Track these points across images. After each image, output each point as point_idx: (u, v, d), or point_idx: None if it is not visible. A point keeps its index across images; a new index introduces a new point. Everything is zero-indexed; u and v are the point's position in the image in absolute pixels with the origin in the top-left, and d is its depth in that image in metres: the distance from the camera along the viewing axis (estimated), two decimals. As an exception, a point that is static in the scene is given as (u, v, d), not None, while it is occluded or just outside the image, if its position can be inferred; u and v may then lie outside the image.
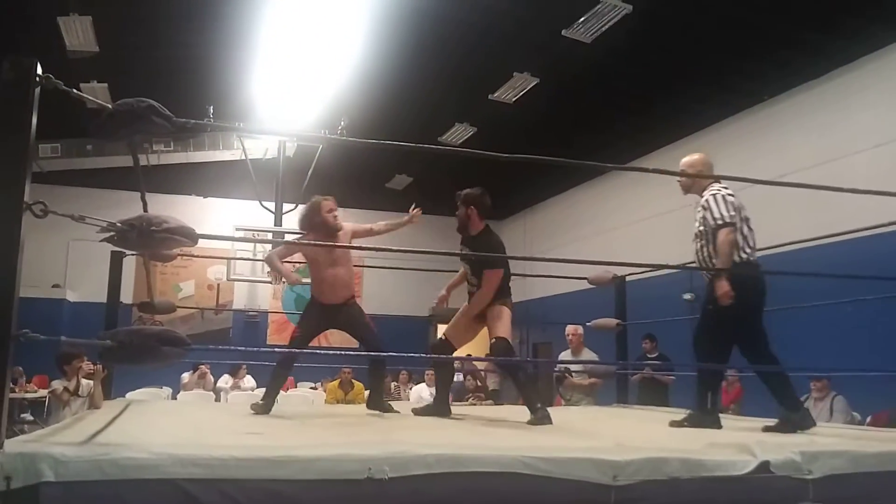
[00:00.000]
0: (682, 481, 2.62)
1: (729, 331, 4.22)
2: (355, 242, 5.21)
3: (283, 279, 5.40)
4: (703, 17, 8.13)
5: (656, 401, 7.51)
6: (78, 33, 8.56)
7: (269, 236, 12.06)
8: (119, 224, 2.60)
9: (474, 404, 7.26)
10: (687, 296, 10.51)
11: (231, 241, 12.51)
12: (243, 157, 12.32)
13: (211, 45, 9.25)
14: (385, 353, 5.03)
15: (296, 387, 12.17)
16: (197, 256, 11.44)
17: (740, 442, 2.95)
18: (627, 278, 6.59)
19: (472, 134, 11.74)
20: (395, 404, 5.30)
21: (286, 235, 11.43)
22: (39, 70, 2.38)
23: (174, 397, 10.49)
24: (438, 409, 4.83)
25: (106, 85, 9.94)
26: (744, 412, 7.48)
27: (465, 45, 8.98)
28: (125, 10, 8.40)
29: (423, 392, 9.66)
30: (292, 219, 12.39)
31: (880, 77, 8.55)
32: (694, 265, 4.55)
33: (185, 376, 10.85)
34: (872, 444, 3.06)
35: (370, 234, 5.26)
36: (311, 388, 12.13)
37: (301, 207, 5.34)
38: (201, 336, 14.58)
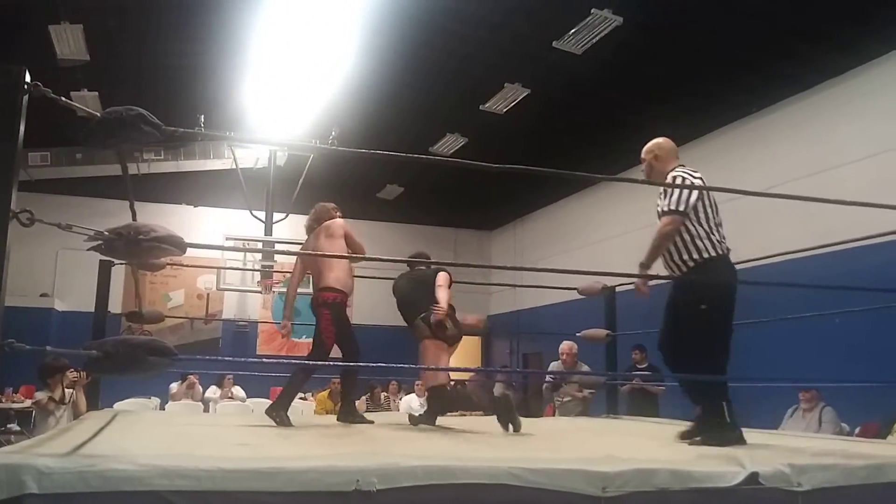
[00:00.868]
0: (671, 493, 2.61)
1: (724, 328, 3.87)
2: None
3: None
4: (693, 30, 8.18)
5: (646, 412, 7.53)
6: (69, 42, 8.53)
7: (260, 246, 12.03)
8: (106, 233, 2.58)
9: (463, 415, 7.23)
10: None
11: (221, 251, 12.47)
12: (234, 167, 12.29)
13: (202, 55, 9.24)
14: (383, 364, 5.05)
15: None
16: (186, 266, 11.39)
17: (729, 453, 2.95)
18: (617, 289, 6.58)
19: (463, 144, 11.75)
20: (385, 415, 5.29)
21: (276, 245, 11.41)
22: (28, 78, 2.38)
23: (162, 407, 10.43)
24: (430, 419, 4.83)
25: (97, 93, 9.90)
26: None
27: (457, 55, 9.01)
28: (116, 18, 8.37)
29: (412, 402, 9.64)
30: (282, 228, 12.41)
31: (868, 89, 8.62)
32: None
33: (174, 386, 10.79)
34: (862, 457, 3.06)
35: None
36: (301, 398, 12.07)
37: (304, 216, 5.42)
38: (190, 346, 14.49)
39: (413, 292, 4.98)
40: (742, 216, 9.87)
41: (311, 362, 5.01)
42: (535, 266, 12.42)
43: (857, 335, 7.62)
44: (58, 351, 3.35)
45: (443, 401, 4.64)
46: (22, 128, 2.36)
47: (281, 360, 4.87)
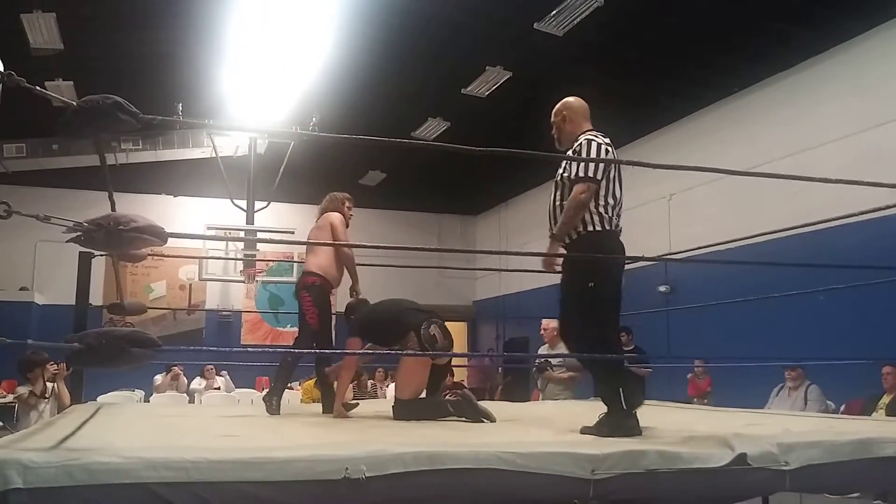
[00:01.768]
0: (659, 474, 2.62)
1: (614, 306, 3.65)
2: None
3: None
4: (673, 11, 8.17)
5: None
6: (42, 31, 8.39)
7: (242, 234, 11.94)
8: (86, 224, 2.54)
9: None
10: (662, 288, 10.59)
11: (203, 241, 12.36)
12: (214, 155, 12.15)
13: (179, 42, 9.12)
14: (377, 352, 5.05)
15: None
16: (168, 256, 11.27)
17: (717, 434, 2.96)
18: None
19: (446, 129, 11.70)
20: (372, 402, 5.28)
21: (258, 234, 11.33)
22: (1, 67, 2.32)
23: (147, 400, 10.37)
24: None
25: (72, 83, 9.75)
26: (717, 403, 7.55)
27: (438, 39, 8.96)
28: (90, 6, 8.24)
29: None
30: (264, 217, 12.31)
31: (848, 68, 8.66)
32: (669, 256, 4.43)
33: (158, 378, 10.74)
34: (847, 433, 3.08)
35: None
36: (287, 387, 12.05)
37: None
38: (174, 337, 14.42)
39: (388, 309, 4.84)
40: (725, 197, 9.96)
41: (294, 349, 5.01)
42: (521, 250, 12.39)
43: (842, 313, 7.68)
44: (39, 344, 3.32)
45: (409, 411, 4.37)
46: (-5, 118, 2.31)
47: (266, 349, 4.84)
